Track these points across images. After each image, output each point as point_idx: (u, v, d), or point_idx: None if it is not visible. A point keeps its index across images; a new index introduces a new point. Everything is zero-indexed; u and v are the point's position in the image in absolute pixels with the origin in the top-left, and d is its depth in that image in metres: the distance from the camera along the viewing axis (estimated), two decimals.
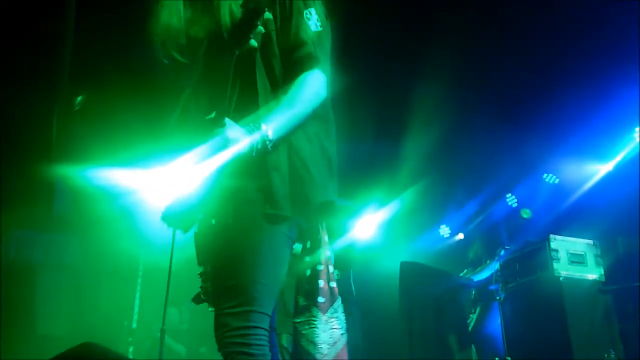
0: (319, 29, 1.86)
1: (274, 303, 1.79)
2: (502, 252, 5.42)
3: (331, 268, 1.93)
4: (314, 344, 1.82)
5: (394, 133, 5.73)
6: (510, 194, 6.44)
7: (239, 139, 1.68)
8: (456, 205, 6.87)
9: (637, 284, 4.58)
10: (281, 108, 1.75)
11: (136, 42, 4.84)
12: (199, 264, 1.98)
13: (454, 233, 7.26)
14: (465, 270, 5.91)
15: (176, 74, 2.13)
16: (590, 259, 4.75)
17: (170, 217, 1.91)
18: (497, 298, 5.24)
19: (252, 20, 1.66)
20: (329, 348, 1.84)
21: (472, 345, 5.50)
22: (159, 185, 5.34)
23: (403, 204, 6.58)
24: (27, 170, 5.55)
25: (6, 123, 5.17)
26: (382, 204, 6.74)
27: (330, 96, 1.94)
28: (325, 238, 1.93)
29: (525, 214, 5.95)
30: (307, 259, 1.91)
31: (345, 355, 1.88)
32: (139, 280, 6.21)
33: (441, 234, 7.37)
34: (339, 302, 1.91)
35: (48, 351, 5.56)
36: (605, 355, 4.41)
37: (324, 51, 1.87)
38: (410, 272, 5.76)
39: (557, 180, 6.06)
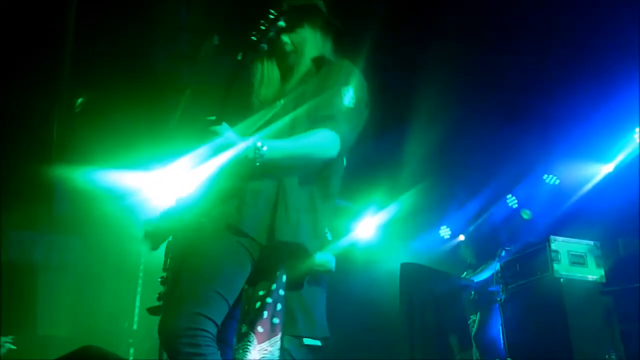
0: (351, 105, 1.93)
1: (223, 313, 1.79)
2: (503, 253, 5.42)
3: (279, 306, 1.98)
4: None
5: (394, 134, 5.73)
6: (510, 195, 6.44)
7: (234, 143, 1.75)
8: (456, 207, 6.88)
9: (638, 285, 4.57)
10: (284, 140, 1.83)
11: (137, 42, 4.86)
12: (164, 269, 2.03)
13: (454, 234, 7.26)
14: (466, 272, 5.91)
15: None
16: (590, 260, 4.75)
17: (149, 231, 2.05)
18: (498, 299, 5.24)
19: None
20: None
21: (473, 346, 5.50)
22: (160, 186, 5.35)
23: (403, 205, 6.58)
24: (27, 171, 5.56)
25: (7, 123, 5.18)
26: (383, 205, 6.74)
27: (341, 172, 2.02)
28: (282, 277, 1.98)
29: (526, 215, 5.95)
30: (261, 292, 1.96)
31: None
32: (140, 282, 6.21)
33: (441, 235, 7.37)
34: (276, 340, 1.94)
35: (49, 352, 5.57)
36: (606, 357, 4.41)
37: (349, 125, 1.92)
38: (411, 273, 5.75)
39: (557, 181, 6.06)
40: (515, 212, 6.35)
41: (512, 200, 6.43)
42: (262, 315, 1.93)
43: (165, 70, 5.11)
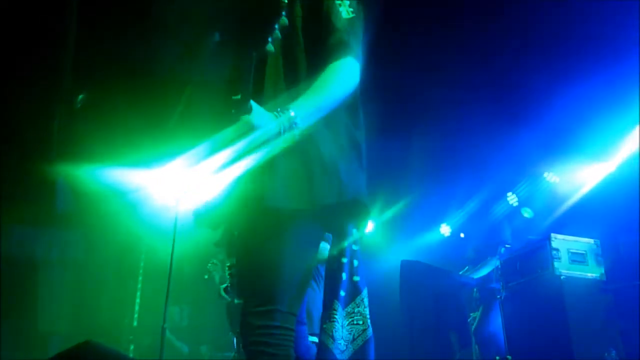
0: (351, 15, 1.80)
1: (300, 301, 1.75)
2: (503, 251, 5.42)
3: (356, 262, 1.88)
4: (333, 338, 1.78)
5: (394, 132, 5.73)
6: (511, 193, 6.43)
7: (266, 123, 1.61)
8: (457, 204, 6.87)
9: (638, 283, 4.58)
10: (310, 95, 1.68)
11: (138, 40, 4.86)
12: (229, 255, 1.96)
13: (454, 232, 7.26)
14: (466, 268, 5.91)
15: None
16: (591, 258, 4.74)
17: (200, 216, 1.87)
18: (498, 297, 5.24)
19: (270, 22, 1.56)
20: (346, 344, 1.78)
21: (473, 344, 5.50)
22: (161, 182, 5.35)
23: (403, 202, 6.58)
24: (29, 168, 5.57)
25: (8, 120, 5.18)
26: (383, 202, 6.74)
27: (361, 85, 1.86)
28: (353, 231, 1.87)
29: (527, 213, 5.95)
30: (334, 252, 1.87)
31: (368, 352, 1.81)
32: (140, 278, 6.23)
33: (442, 232, 7.37)
34: (362, 297, 1.85)
35: (49, 348, 5.59)
36: (606, 354, 4.41)
37: (357, 38, 1.80)
38: (411, 271, 5.77)
39: (557, 179, 6.05)
40: (516, 210, 6.35)
41: (512, 198, 6.42)
42: (341, 277, 1.83)
43: (166, 67, 5.11)
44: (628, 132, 5.38)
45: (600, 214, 5.39)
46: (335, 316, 1.79)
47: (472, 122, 5.62)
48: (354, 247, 1.88)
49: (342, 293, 1.81)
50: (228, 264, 4.50)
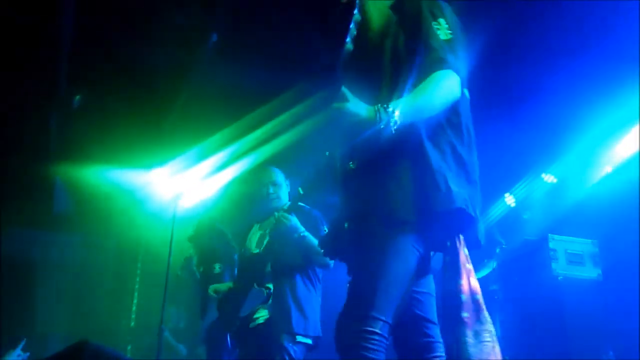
0: (449, 36, 1.88)
1: (393, 311, 1.77)
2: (498, 251, 5.42)
3: (473, 280, 1.86)
4: None
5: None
6: (508, 193, 6.43)
7: (363, 113, 1.70)
8: None
9: (636, 283, 4.58)
10: (410, 96, 1.76)
11: (135, 40, 4.85)
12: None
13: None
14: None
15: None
16: (588, 259, 4.76)
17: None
18: (495, 297, 5.24)
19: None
20: None
21: None
22: (159, 183, 5.35)
23: None
24: (26, 169, 5.56)
25: (5, 121, 5.18)
26: None
27: (467, 107, 1.97)
28: (464, 250, 1.87)
29: (526, 215, 5.94)
30: (447, 273, 1.86)
31: None
32: (138, 279, 6.22)
33: None
34: (485, 314, 1.83)
35: (47, 349, 5.57)
36: (604, 355, 4.41)
37: (456, 56, 1.87)
38: None
39: (555, 180, 6.06)
40: (514, 210, 6.35)
41: (510, 199, 6.42)
42: (460, 299, 1.80)
43: (164, 67, 5.11)
44: (626, 133, 5.38)
45: (598, 214, 5.39)
46: (464, 338, 1.76)
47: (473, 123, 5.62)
48: (469, 266, 1.88)
49: (465, 314, 1.78)
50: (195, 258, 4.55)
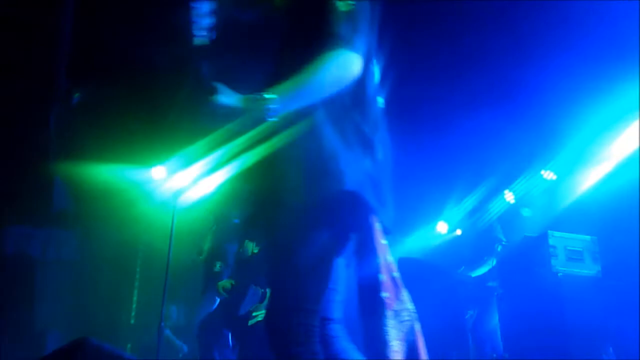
0: (349, 7, 1.73)
1: (320, 298, 1.72)
2: (499, 248, 5.42)
3: (389, 258, 1.83)
4: (384, 342, 1.73)
5: (391, 129, 5.73)
6: (508, 190, 6.44)
7: (235, 103, 1.63)
8: (454, 202, 6.87)
9: (635, 280, 4.58)
10: (291, 82, 1.65)
11: (135, 38, 4.85)
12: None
13: (451, 229, 7.26)
14: (463, 267, 5.91)
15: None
16: (588, 255, 4.74)
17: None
18: (495, 294, 5.24)
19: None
20: (400, 344, 1.75)
21: (469, 343, 5.50)
22: (158, 180, 5.34)
23: (400, 200, 6.57)
24: (26, 166, 5.55)
25: (4, 119, 5.17)
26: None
27: (373, 83, 1.84)
28: (377, 227, 1.81)
29: (526, 212, 5.94)
30: (363, 254, 1.82)
31: (419, 349, 1.79)
32: (137, 277, 6.22)
33: (438, 230, 7.36)
34: (403, 292, 1.82)
35: (47, 346, 5.57)
36: (603, 352, 4.41)
37: (355, 30, 1.72)
38: (408, 269, 5.76)
39: (555, 177, 6.06)
40: (513, 207, 6.35)
41: (509, 196, 6.43)
42: (378, 278, 1.77)
43: (163, 65, 5.10)
44: (626, 129, 5.38)
45: (597, 211, 5.39)
46: (385, 320, 1.74)
47: (469, 120, 5.62)
48: (383, 242, 1.83)
49: (385, 294, 1.76)
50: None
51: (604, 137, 5.44)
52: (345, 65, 1.69)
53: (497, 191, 6.43)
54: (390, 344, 1.71)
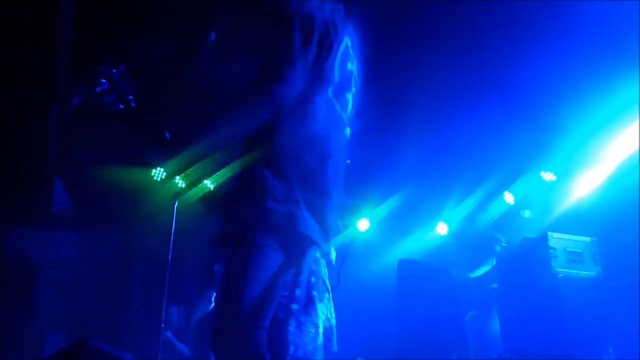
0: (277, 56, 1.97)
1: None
2: (498, 249, 5.42)
3: (313, 279, 2.02)
4: (282, 343, 1.92)
5: (390, 130, 5.73)
6: (507, 191, 6.44)
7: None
8: (454, 203, 6.87)
9: (635, 281, 4.58)
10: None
11: (135, 39, 4.85)
12: None
13: (451, 230, 7.25)
14: (463, 268, 5.91)
15: None
16: (588, 256, 4.74)
17: None
18: (495, 295, 5.24)
19: None
20: (296, 348, 1.93)
21: (469, 344, 5.50)
22: (158, 182, 5.34)
23: (400, 200, 6.57)
24: (25, 167, 5.55)
25: (4, 120, 5.17)
26: (379, 200, 6.74)
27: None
28: (314, 252, 1.99)
29: (525, 213, 5.95)
30: (287, 268, 1.97)
31: (313, 357, 1.96)
32: (137, 278, 6.21)
33: (438, 231, 7.36)
34: (316, 309, 1.99)
35: (46, 348, 5.56)
36: (604, 353, 4.41)
37: (276, 74, 1.92)
38: (408, 270, 5.76)
39: (554, 178, 6.06)
40: (513, 208, 6.35)
41: (509, 197, 6.43)
42: (294, 291, 1.98)
43: (163, 66, 5.10)
44: (625, 131, 5.38)
45: (597, 212, 5.39)
46: (290, 328, 1.95)
47: (468, 121, 5.62)
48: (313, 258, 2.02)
49: (295, 306, 1.96)
50: None
51: (603, 138, 5.44)
52: (250, 105, 1.93)
53: (496, 192, 6.44)
54: (289, 346, 1.89)
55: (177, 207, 4.64)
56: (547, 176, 6.08)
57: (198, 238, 5.09)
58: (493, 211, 6.45)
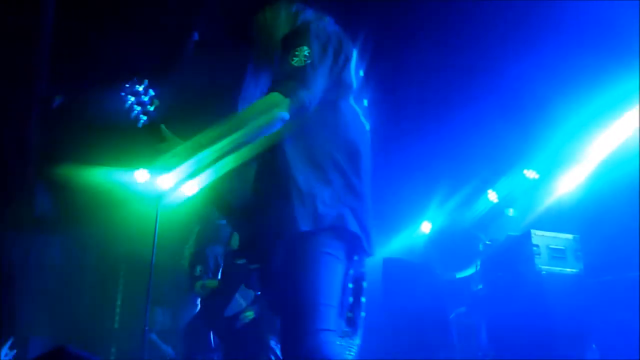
0: (303, 63, 1.87)
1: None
2: (482, 248, 5.45)
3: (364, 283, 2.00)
4: None
5: (375, 129, 5.73)
6: (491, 190, 6.48)
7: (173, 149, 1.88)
8: (438, 201, 6.90)
9: (617, 277, 4.63)
10: (226, 123, 1.84)
11: (116, 39, 4.81)
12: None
13: (435, 229, 7.28)
14: (448, 268, 5.93)
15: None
16: (570, 253, 4.79)
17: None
18: (479, 294, 5.27)
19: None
20: None
21: (454, 342, 5.53)
22: (142, 183, 5.31)
23: (384, 200, 6.59)
24: (6, 170, 5.49)
25: None
26: None
27: (351, 122, 1.98)
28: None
29: (510, 212, 5.98)
30: (350, 284, 1.95)
31: None
32: (121, 280, 6.17)
33: (423, 230, 7.39)
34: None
35: (28, 352, 5.50)
36: (587, 349, 4.45)
37: (301, 81, 1.85)
38: (393, 270, 5.78)
39: (537, 176, 6.11)
40: (496, 206, 6.39)
41: (492, 195, 6.47)
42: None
43: (146, 66, 5.07)
44: (606, 129, 5.43)
45: (579, 209, 5.44)
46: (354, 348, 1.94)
47: (452, 120, 5.65)
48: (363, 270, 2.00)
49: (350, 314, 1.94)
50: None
51: (585, 137, 5.49)
52: (269, 109, 1.82)
53: (480, 190, 6.47)
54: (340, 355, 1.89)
55: (160, 209, 4.61)
56: (530, 174, 6.13)
57: (181, 239, 5.06)
58: (477, 209, 6.49)
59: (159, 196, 4.73)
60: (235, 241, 3.85)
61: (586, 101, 5.04)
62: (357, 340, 1.99)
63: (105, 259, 6.29)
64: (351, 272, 1.92)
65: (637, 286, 4.31)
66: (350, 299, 1.93)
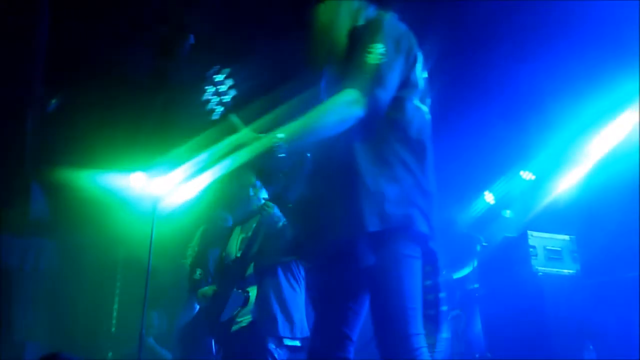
0: (377, 61, 1.87)
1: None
2: (479, 249, 5.44)
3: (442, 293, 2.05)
4: None
5: None
6: (487, 191, 6.48)
7: (247, 141, 1.80)
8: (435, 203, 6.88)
9: (614, 278, 4.63)
10: (300, 120, 1.82)
11: (112, 42, 4.80)
12: None
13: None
14: (445, 268, 5.92)
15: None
16: (567, 255, 4.79)
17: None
18: (476, 295, 5.26)
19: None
20: None
21: (453, 343, 5.52)
22: (138, 187, 5.30)
23: None
24: (2, 173, 5.48)
25: None
26: None
27: (417, 120, 1.99)
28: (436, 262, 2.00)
29: (507, 213, 5.98)
30: (427, 282, 1.97)
31: None
32: (118, 284, 6.16)
33: None
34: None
35: (25, 358, 5.47)
36: (584, 349, 4.45)
37: (377, 79, 1.86)
38: None
39: (533, 177, 6.12)
40: (493, 208, 6.39)
41: (489, 196, 6.47)
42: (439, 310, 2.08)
43: (142, 69, 5.06)
44: (602, 130, 5.44)
45: (575, 210, 5.45)
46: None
47: (448, 122, 5.64)
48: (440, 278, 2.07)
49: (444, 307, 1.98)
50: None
51: (581, 138, 5.49)
52: (346, 106, 1.83)
53: (477, 192, 6.47)
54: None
55: (157, 212, 4.60)
56: (527, 175, 6.13)
57: (178, 243, 5.05)
58: (474, 211, 6.49)
59: (155, 200, 4.72)
60: (231, 247, 3.85)
61: (582, 103, 5.04)
62: (444, 334, 2.02)
63: (101, 263, 6.27)
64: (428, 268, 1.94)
65: (634, 287, 4.32)
66: (431, 296, 1.95)
